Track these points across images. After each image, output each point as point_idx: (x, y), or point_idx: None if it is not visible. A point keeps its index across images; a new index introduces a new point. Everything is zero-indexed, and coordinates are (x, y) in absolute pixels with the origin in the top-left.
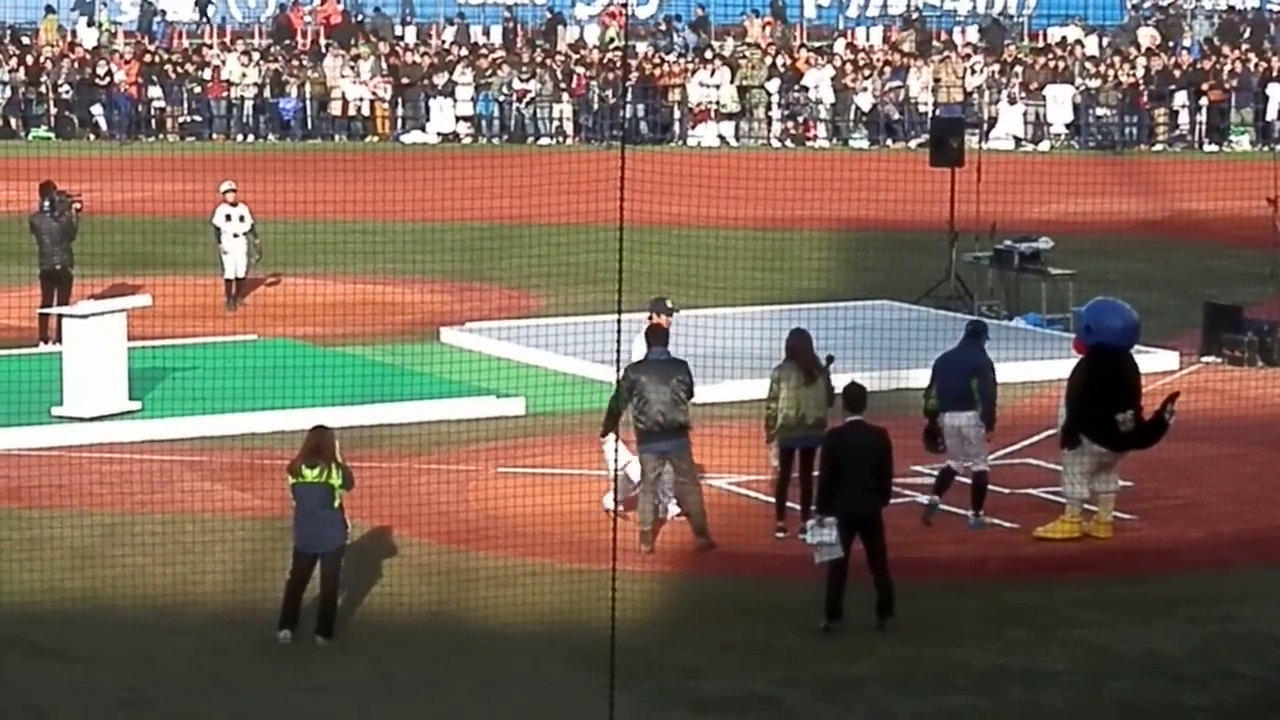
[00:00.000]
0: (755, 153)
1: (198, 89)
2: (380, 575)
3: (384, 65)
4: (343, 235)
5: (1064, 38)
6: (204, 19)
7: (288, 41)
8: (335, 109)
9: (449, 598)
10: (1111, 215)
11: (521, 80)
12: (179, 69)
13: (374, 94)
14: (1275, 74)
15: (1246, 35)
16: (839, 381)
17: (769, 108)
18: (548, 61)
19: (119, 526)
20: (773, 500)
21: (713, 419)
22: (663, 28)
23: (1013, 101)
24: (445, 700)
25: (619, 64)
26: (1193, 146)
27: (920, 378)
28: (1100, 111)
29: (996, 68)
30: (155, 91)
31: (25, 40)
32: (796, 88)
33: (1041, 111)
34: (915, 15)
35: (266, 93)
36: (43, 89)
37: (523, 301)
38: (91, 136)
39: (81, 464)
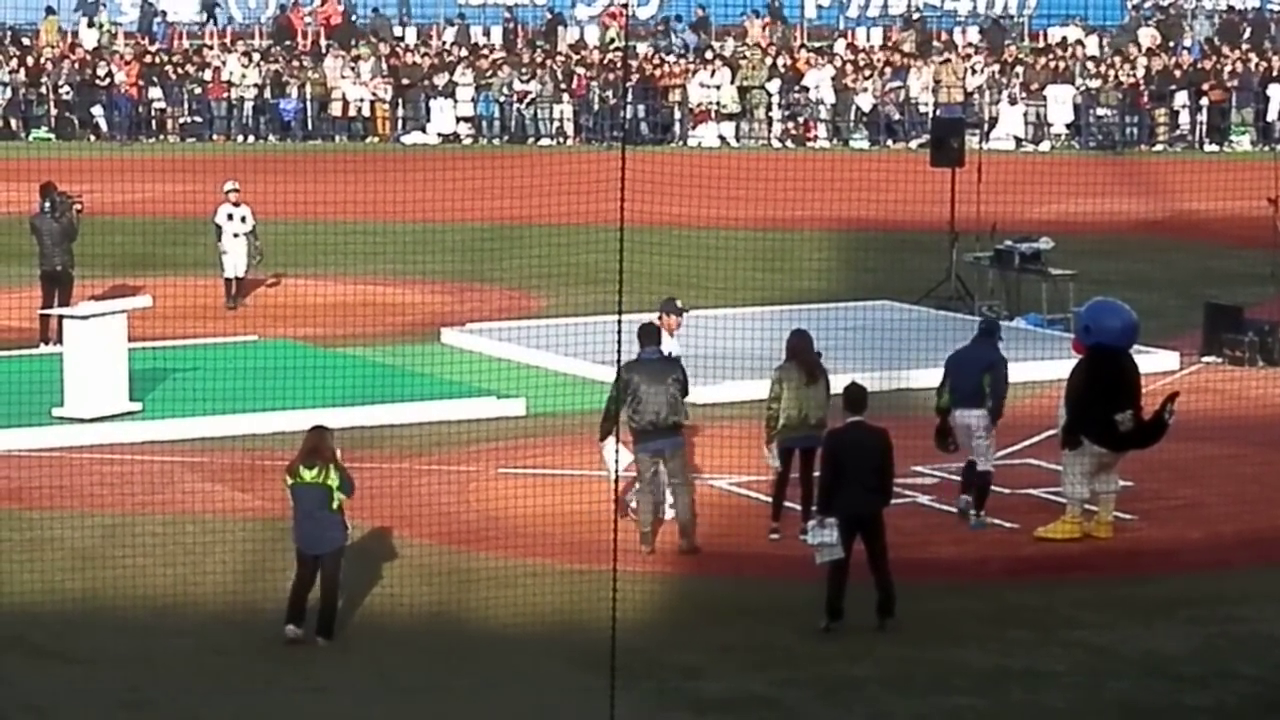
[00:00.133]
0: (756, 153)
1: (198, 90)
2: (381, 576)
3: (384, 66)
4: (343, 236)
5: (1064, 38)
6: (211, 20)
7: (288, 42)
8: (336, 110)
9: (450, 598)
10: (1112, 215)
11: (522, 81)
12: (179, 70)
13: (374, 95)
14: (1276, 74)
15: (1247, 35)
16: (839, 382)
17: (769, 108)
18: (548, 62)
19: (119, 527)
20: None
21: (713, 419)
22: (660, 28)
23: (1013, 102)
24: (446, 701)
25: (619, 65)
26: (1193, 147)
27: (921, 378)
28: (1101, 112)
29: (997, 68)
30: (156, 92)
31: (26, 41)
32: (797, 88)
33: (1042, 112)
34: (915, 16)
35: (267, 93)
36: (43, 90)
37: (523, 302)
38: (92, 137)
39: (82, 465)
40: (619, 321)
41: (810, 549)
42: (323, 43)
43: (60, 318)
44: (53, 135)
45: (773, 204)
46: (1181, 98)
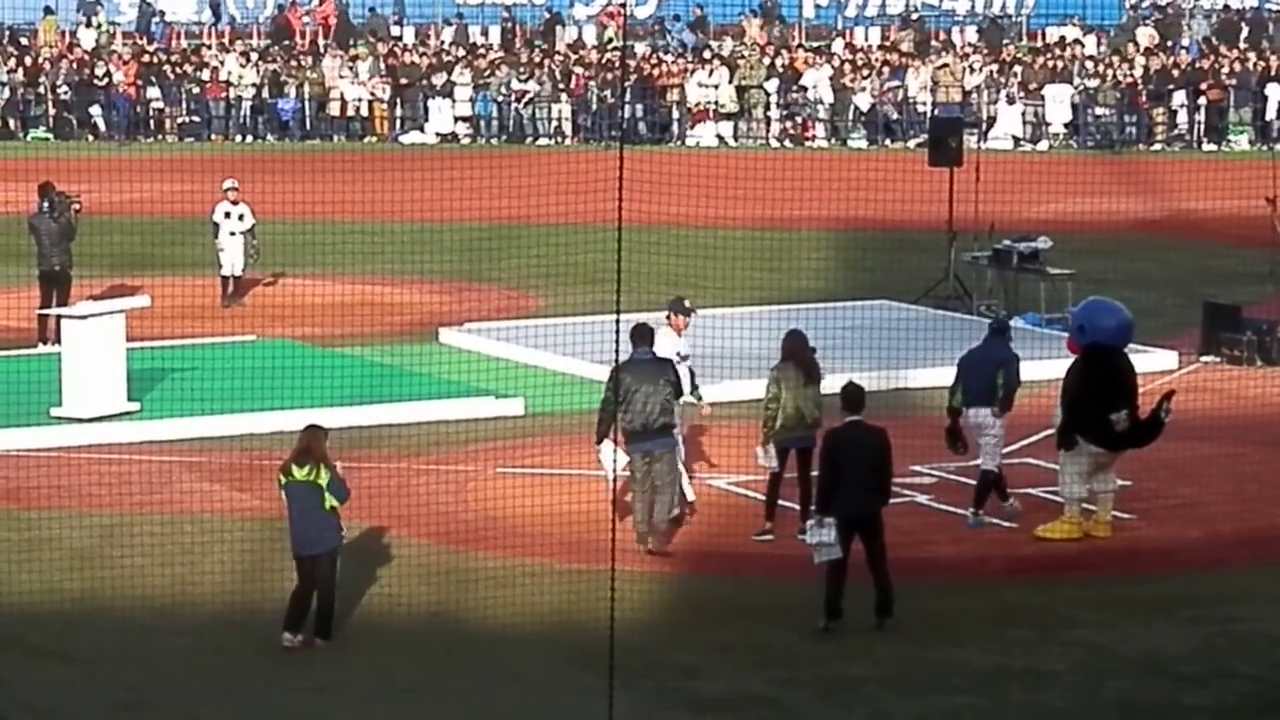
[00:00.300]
0: (754, 153)
1: (196, 90)
2: (379, 576)
3: (382, 66)
4: (341, 236)
5: (1062, 37)
6: (216, 19)
7: (286, 42)
8: (334, 109)
9: (448, 598)
10: (1110, 215)
11: (520, 80)
12: (177, 70)
13: (373, 94)
14: (1274, 73)
15: (1245, 35)
16: (837, 382)
17: (767, 108)
18: (546, 62)
19: (118, 527)
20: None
21: (711, 418)
22: (656, 28)
23: (1011, 101)
24: (444, 701)
25: (618, 64)
26: (1191, 146)
27: (919, 377)
28: (1099, 111)
29: (995, 67)
30: (154, 92)
31: (24, 41)
32: (795, 88)
33: (1040, 111)
34: (914, 15)
35: (265, 93)
36: (41, 90)
37: (521, 302)
38: (90, 137)
39: (80, 465)
40: (617, 321)
41: (809, 548)
42: (321, 43)
43: (58, 317)
44: (51, 135)
45: (771, 203)
46: (1180, 97)
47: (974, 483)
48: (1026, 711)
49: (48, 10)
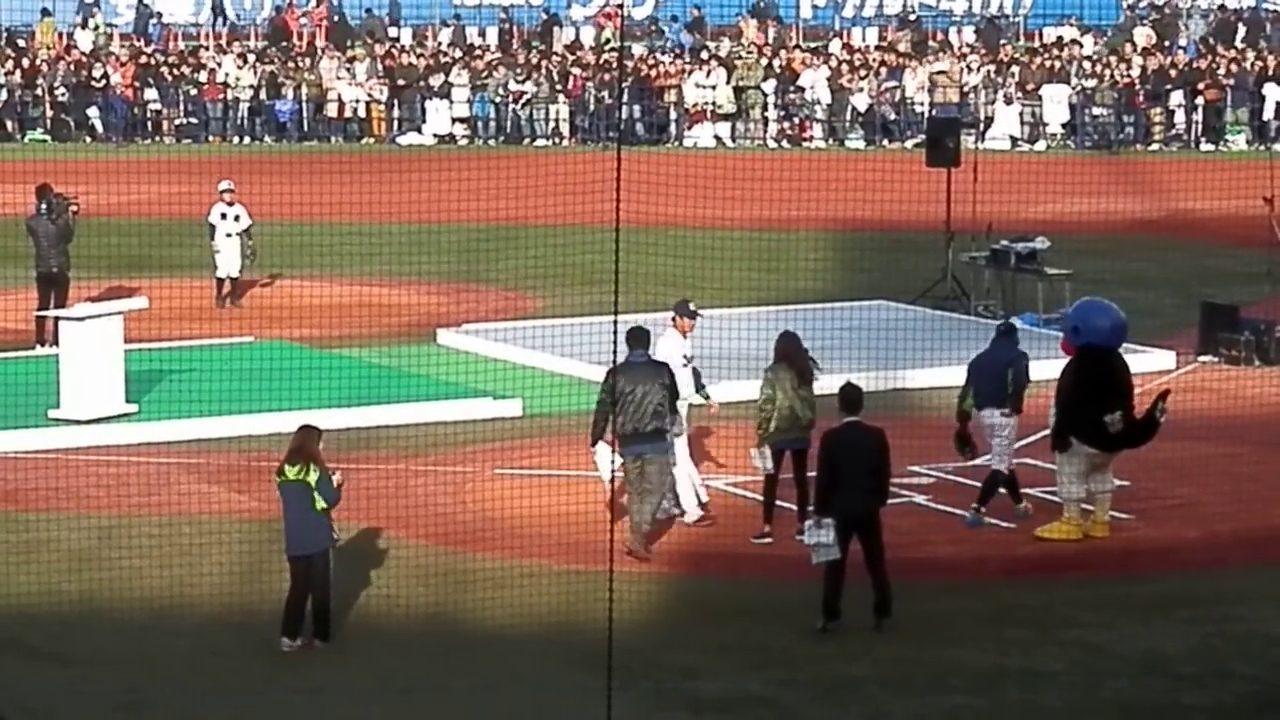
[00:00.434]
0: (751, 153)
1: (194, 91)
2: (377, 577)
3: (380, 67)
4: (339, 237)
5: (1060, 37)
6: (220, 19)
7: (284, 43)
8: (331, 111)
9: (446, 599)
10: (1108, 215)
11: (518, 81)
12: (175, 71)
13: (370, 95)
14: (1271, 73)
15: (1242, 34)
16: (834, 382)
17: (765, 108)
18: (544, 63)
19: (116, 529)
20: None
21: (709, 419)
22: (652, 28)
23: (1009, 101)
24: (443, 702)
25: (615, 65)
26: (1189, 146)
27: (917, 378)
28: (1096, 111)
29: (993, 68)
30: (151, 94)
31: (21, 43)
32: (792, 88)
33: (1038, 111)
34: (911, 15)
35: (263, 95)
36: (39, 91)
37: (519, 303)
38: (87, 139)
39: (78, 466)
40: (615, 322)
41: (807, 549)
42: (318, 44)
43: (56, 319)
44: (48, 137)
45: (768, 204)
46: (1177, 97)
47: (972, 483)
48: (1024, 712)
49: (45, 12)
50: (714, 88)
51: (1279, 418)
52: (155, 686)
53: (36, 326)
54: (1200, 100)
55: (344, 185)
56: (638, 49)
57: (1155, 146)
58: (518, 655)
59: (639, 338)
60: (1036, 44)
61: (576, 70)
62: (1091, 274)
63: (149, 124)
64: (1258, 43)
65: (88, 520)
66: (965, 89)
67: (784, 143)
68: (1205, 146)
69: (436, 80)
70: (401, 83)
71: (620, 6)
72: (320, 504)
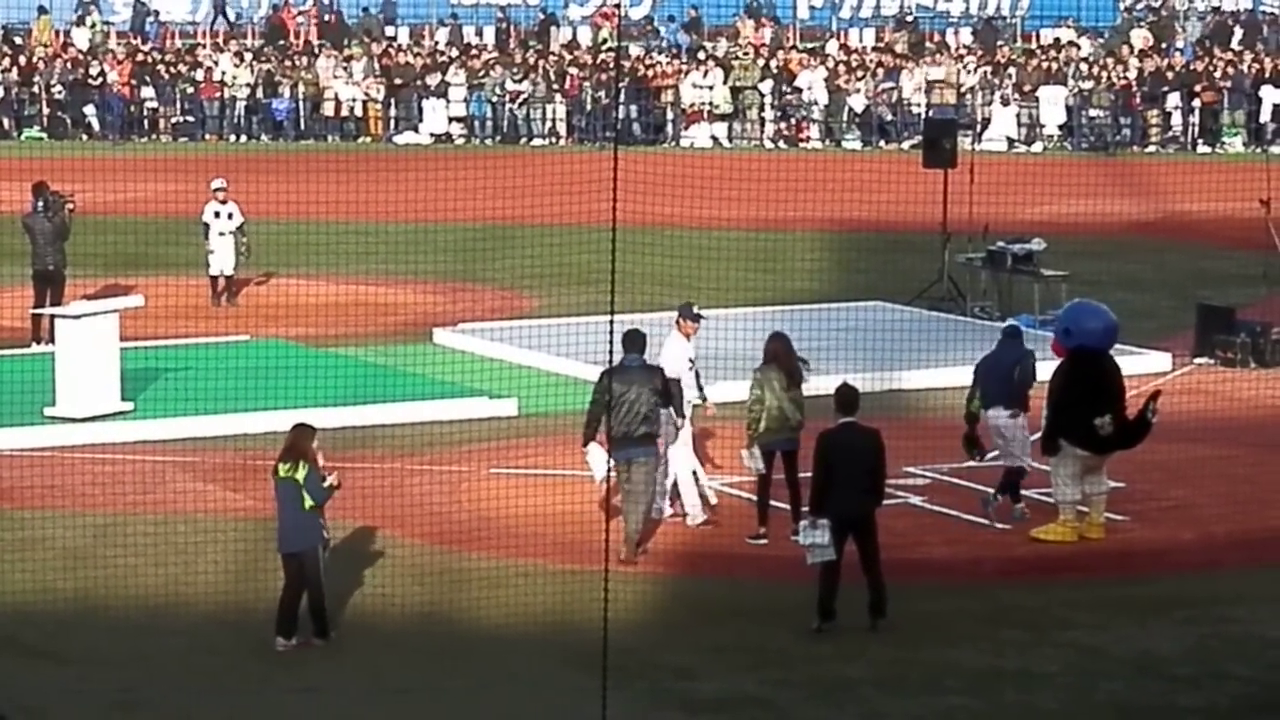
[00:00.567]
0: (748, 154)
1: (190, 89)
2: (373, 576)
3: (377, 66)
4: (336, 236)
5: (1057, 39)
6: (223, 18)
7: (281, 42)
8: (328, 110)
9: (442, 599)
10: (1104, 216)
11: (514, 81)
12: (172, 69)
13: (367, 94)
14: (1268, 75)
15: (1239, 37)
16: (830, 383)
17: (762, 109)
18: (541, 62)
19: (111, 527)
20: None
21: (706, 419)
22: (648, 28)
23: (1006, 103)
24: (438, 701)
25: (612, 65)
26: (1185, 148)
27: (913, 379)
28: (1093, 113)
29: (989, 69)
30: (148, 92)
31: (18, 40)
32: (789, 89)
33: (1034, 113)
34: (908, 17)
35: (259, 93)
36: (35, 89)
37: (515, 302)
38: (84, 137)
39: (74, 465)
40: (611, 322)
41: (802, 549)
42: (315, 42)
43: (52, 317)
44: (45, 135)
45: (765, 205)
46: (1174, 99)
47: (970, 485)
48: (1020, 712)
49: (42, 9)
50: (711, 88)
51: (1275, 420)
52: (150, 685)
53: (32, 324)
54: (1197, 102)
55: (340, 184)
56: (635, 49)
57: (1152, 148)
58: (513, 655)
59: (635, 341)
60: (1033, 45)
61: (573, 70)
62: (1088, 275)
63: (146, 122)
64: (1255, 45)
65: (83, 518)
66: (962, 90)
67: (781, 143)
68: (1202, 148)
69: (433, 79)
70: (398, 82)
71: (617, 6)
72: (308, 502)
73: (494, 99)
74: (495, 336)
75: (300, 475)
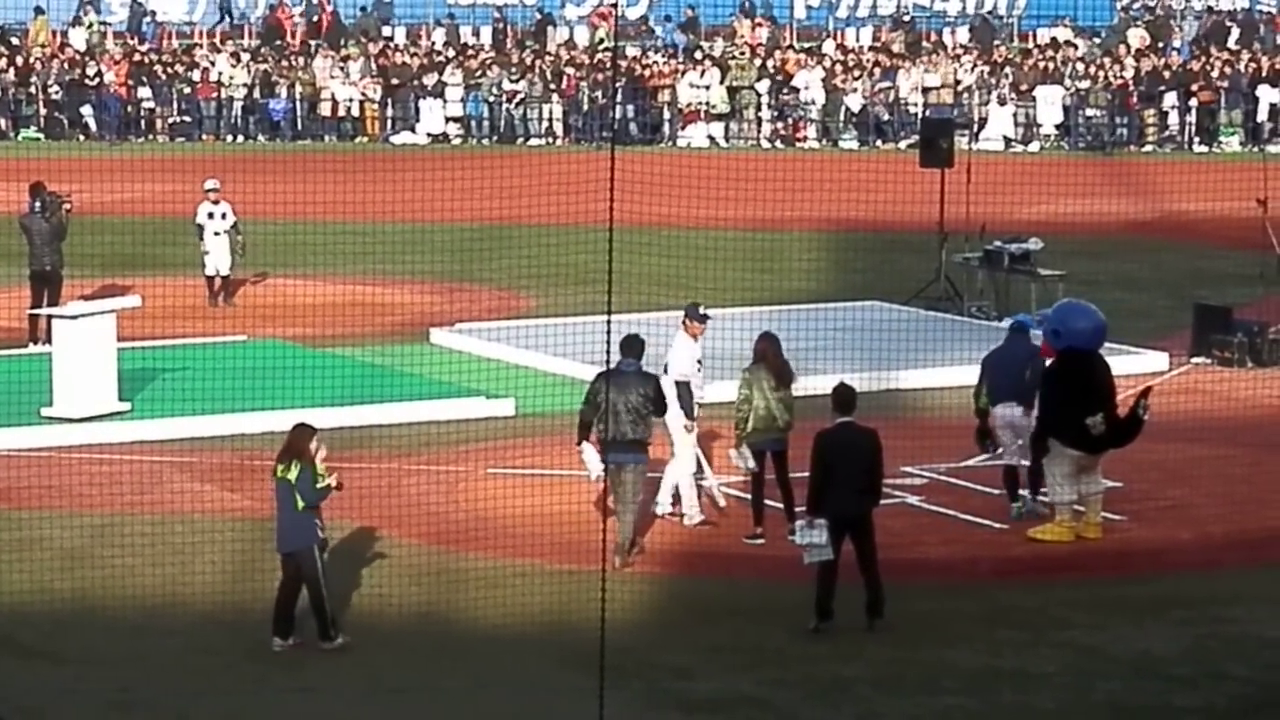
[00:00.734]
0: (745, 153)
1: (187, 90)
2: (370, 576)
3: (373, 66)
4: (332, 236)
5: (1054, 39)
6: (229, 21)
7: (277, 42)
8: (325, 110)
9: (439, 599)
10: (1101, 216)
11: (511, 81)
12: (168, 70)
13: (364, 94)
14: (1265, 75)
15: (1236, 36)
16: (827, 383)
17: (759, 108)
18: (537, 62)
19: (109, 527)
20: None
21: (703, 419)
22: (643, 28)
23: (1002, 102)
24: (435, 701)
25: (609, 65)
26: (1182, 147)
27: (910, 378)
28: (1090, 112)
29: (986, 69)
30: (145, 92)
31: (15, 41)
32: (786, 89)
33: (1031, 112)
34: (905, 16)
35: (256, 93)
36: (32, 89)
37: (512, 302)
38: (81, 137)
39: (71, 465)
40: (608, 322)
41: (799, 549)
42: (311, 42)
43: (49, 317)
44: (42, 135)
45: (762, 204)
46: (1171, 98)
47: (968, 484)
48: (1017, 713)
49: (39, 10)
50: (708, 88)
51: (1272, 419)
52: (147, 685)
53: (29, 324)
54: (1194, 102)
55: (337, 184)
56: (631, 49)
57: (1149, 148)
58: (510, 654)
59: (632, 347)
60: (1030, 45)
61: (570, 70)
62: (1084, 275)
63: (143, 122)
64: (1251, 44)
65: (80, 519)
66: (959, 89)
67: (778, 143)
68: (1199, 148)
69: (430, 79)
70: (395, 82)
71: (614, 6)
72: (300, 502)
73: (491, 99)
74: (492, 336)
75: (293, 475)
